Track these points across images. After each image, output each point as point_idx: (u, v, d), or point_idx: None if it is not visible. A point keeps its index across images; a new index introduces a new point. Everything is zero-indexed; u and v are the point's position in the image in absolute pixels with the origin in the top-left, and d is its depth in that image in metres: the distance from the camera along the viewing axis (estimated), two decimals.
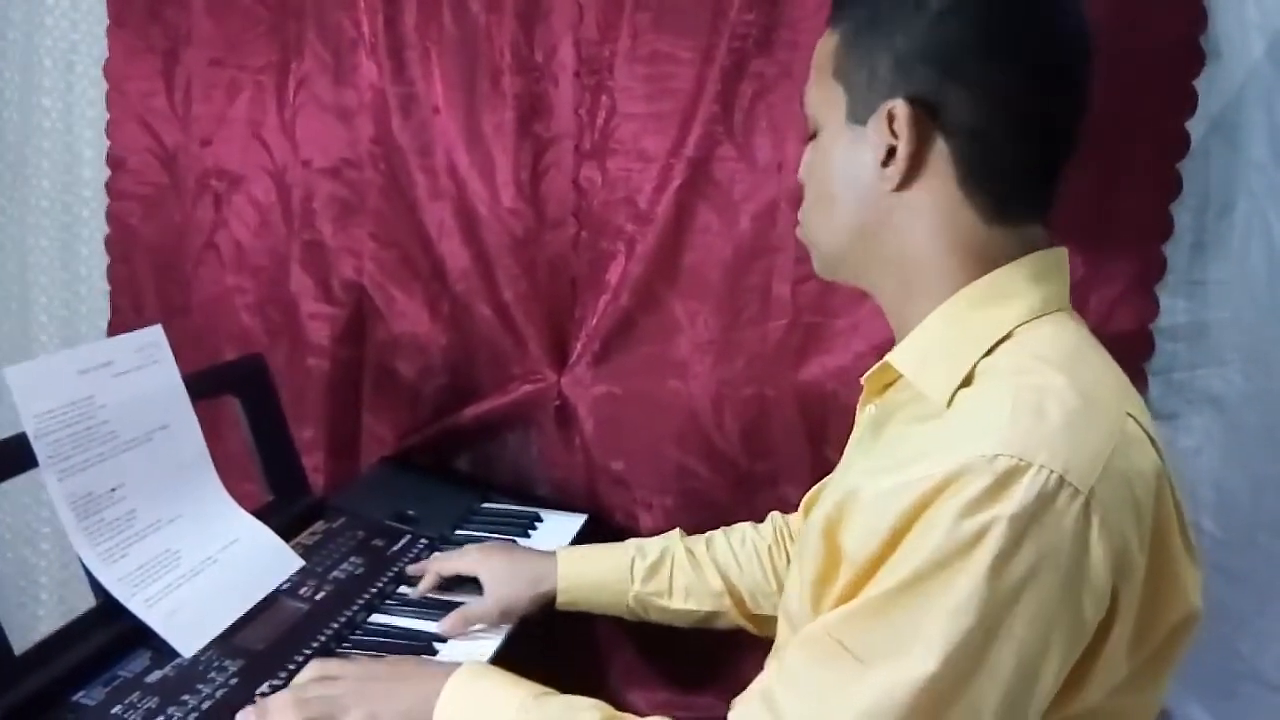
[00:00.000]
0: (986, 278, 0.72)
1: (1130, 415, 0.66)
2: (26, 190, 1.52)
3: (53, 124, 1.50)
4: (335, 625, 1.00)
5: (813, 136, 0.80)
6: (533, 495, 1.40)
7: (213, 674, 0.91)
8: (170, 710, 0.85)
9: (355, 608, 1.04)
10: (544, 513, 1.32)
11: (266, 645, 0.96)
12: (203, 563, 1.01)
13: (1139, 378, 1.17)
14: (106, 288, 1.53)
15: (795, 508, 1.07)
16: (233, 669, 0.92)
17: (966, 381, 0.68)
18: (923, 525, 0.61)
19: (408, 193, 1.34)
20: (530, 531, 1.27)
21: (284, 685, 0.90)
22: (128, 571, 0.95)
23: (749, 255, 1.25)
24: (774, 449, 1.29)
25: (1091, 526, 0.60)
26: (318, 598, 1.05)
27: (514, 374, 1.37)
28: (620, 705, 0.78)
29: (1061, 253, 0.75)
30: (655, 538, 1.13)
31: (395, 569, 1.12)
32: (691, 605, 1.08)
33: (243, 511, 1.09)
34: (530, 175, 1.31)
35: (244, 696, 0.88)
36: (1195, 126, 1.12)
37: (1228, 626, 1.16)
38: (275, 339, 1.44)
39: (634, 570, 1.09)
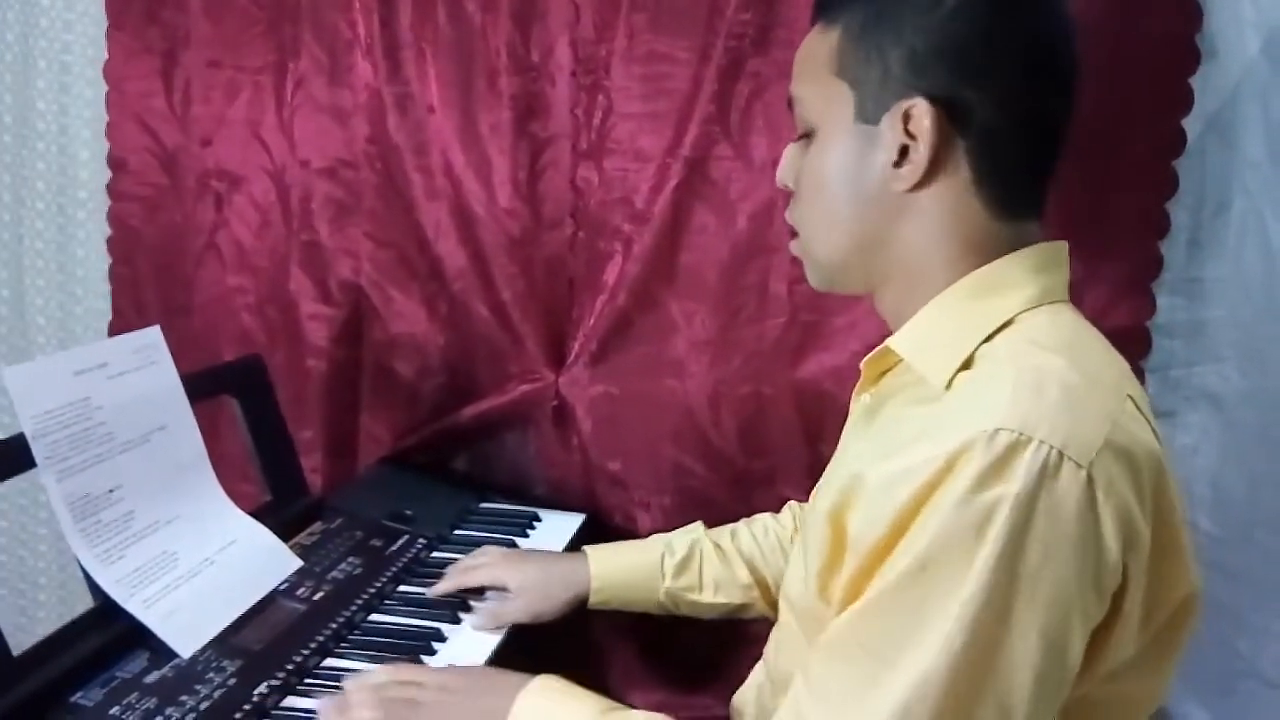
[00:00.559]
0: (988, 267, 0.72)
1: (1130, 397, 0.67)
2: (24, 192, 1.52)
3: (48, 126, 1.50)
4: (333, 625, 1.00)
5: (803, 137, 0.78)
6: (530, 495, 1.40)
7: (211, 674, 0.91)
8: (168, 711, 0.85)
9: (353, 608, 1.04)
10: (542, 512, 1.32)
11: (265, 646, 0.96)
12: (201, 563, 1.01)
13: (1136, 375, 1.16)
14: (104, 289, 1.53)
15: None
16: (231, 669, 0.92)
17: (966, 365, 0.69)
18: (928, 511, 0.60)
19: (404, 193, 1.34)
20: (528, 531, 1.27)
21: (282, 686, 0.91)
22: (126, 572, 0.95)
23: (746, 254, 1.26)
24: (771, 447, 1.29)
25: (1097, 499, 0.60)
26: (316, 598, 1.05)
27: (511, 374, 1.37)
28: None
29: (1062, 246, 0.76)
30: (680, 531, 1.14)
31: (393, 569, 1.12)
32: (722, 599, 1.09)
33: (241, 512, 1.09)
34: (527, 175, 1.31)
35: (242, 697, 0.88)
36: (1191, 125, 1.12)
37: (1226, 624, 1.16)
38: (274, 340, 1.44)
39: (664, 566, 1.09)
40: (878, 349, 0.77)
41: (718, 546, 1.10)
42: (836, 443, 0.88)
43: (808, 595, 0.74)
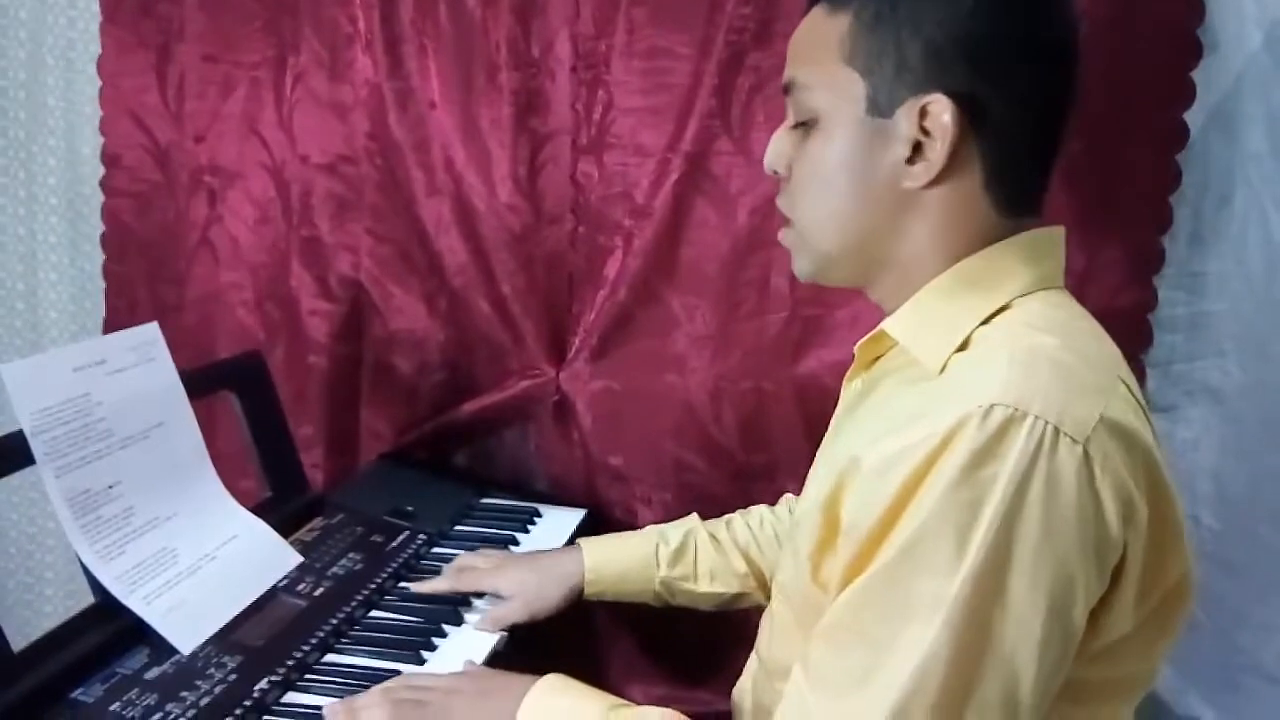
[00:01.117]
0: (983, 253, 0.72)
1: (1121, 379, 0.67)
2: (34, 188, 1.53)
3: (56, 122, 1.50)
4: (334, 621, 1.00)
5: (801, 125, 0.76)
6: (531, 490, 1.40)
7: (211, 670, 0.91)
8: (169, 707, 0.85)
9: (354, 604, 1.04)
10: (542, 508, 1.32)
11: (265, 641, 0.96)
12: (201, 559, 1.01)
13: (1137, 369, 1.17)
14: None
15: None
16: (231, 665, 0.92)
17: (962, 348, 0.69)
18: (924, 491, 0.60)
19: (404, 188, 1.34)
20: (529, 527, 1.27)
21: (283, 681, 0.91)
22: (126, 569, 0.95)
23: (746, 249, 1.25)
24: (772, 442, 1.29)
25: (1095, 475, 0.60)
26: (316, 594, 1.05)
27: (512, 369, 1.37)
28: None
29: (1058, 232, 0.75)
30: (675, 523, 1.14)
31: (394, 565, 1.12)
32: (718, 588, 1.09)
33: (241, 508, 1.09)
34: (527, 170, 1.30)
35: (243, 693, 0.88)
36: (1193, 118, 1.12)
37: (1227, 619, 1.16)
38: (274, 336, 1.44)
39: (659, 556, 1.09)
40: (871, 333, 0.77)
41: (713, 536, 1.11)
42: None
43: (800, 579, 0.74)
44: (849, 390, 0.85)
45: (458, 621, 1.04)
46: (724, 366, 1.28)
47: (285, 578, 1.06)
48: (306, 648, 0.96)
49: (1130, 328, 1.16)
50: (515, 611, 1.05)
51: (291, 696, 0.90)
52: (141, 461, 0.99)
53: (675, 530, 1.12)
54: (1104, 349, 0.71)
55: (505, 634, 1.03)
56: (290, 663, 0.93)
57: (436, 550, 1.18)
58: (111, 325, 1.51)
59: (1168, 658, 0.73)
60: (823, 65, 0.73)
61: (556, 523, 1.29)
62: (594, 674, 1.34)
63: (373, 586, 1.08)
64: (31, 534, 1.64)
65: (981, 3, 0.68)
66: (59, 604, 1.65)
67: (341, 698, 0.87)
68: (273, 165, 1.41)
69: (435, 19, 1.29)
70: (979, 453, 0.59)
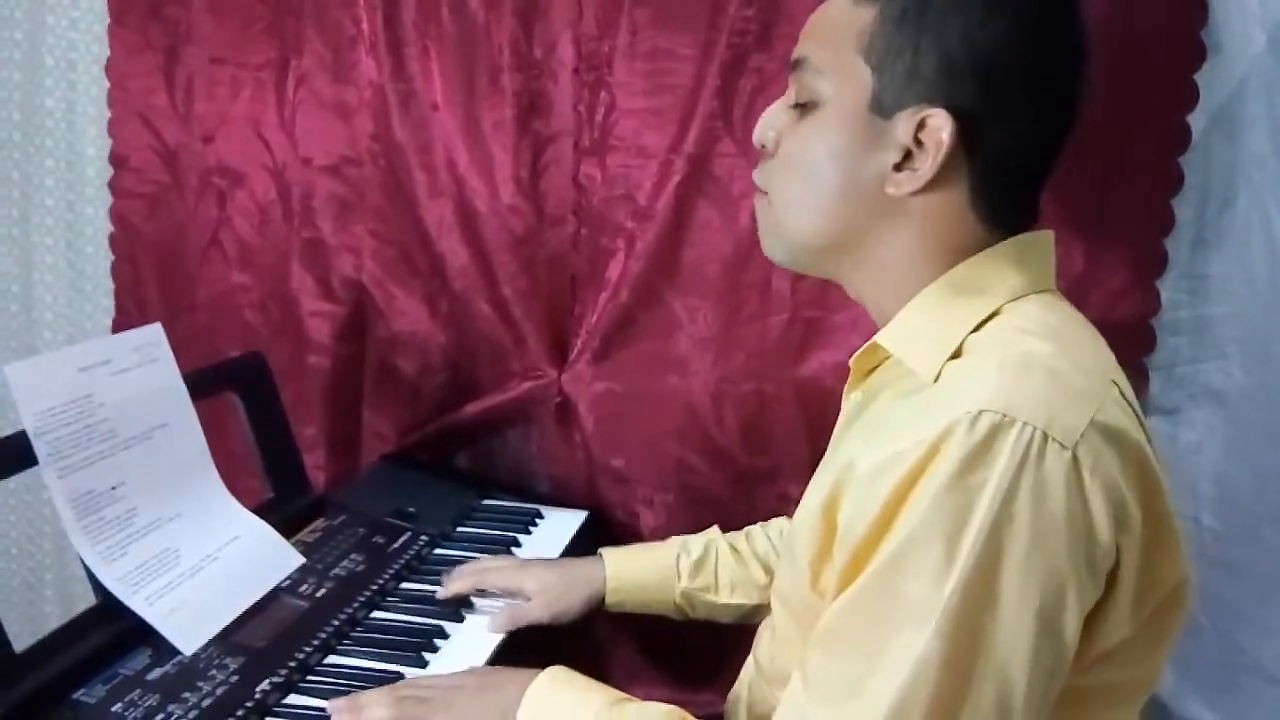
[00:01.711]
0: (970, 261, 0.72)
1: (1115, 384, 0.67)
2: (30, 189, 1.53)
3: (55, 123, 1.50)
4: (336, 622, 1.00)
5: (800, 105, 0.75)
6: (533, 492, 1.40)
7: (213, 671, 0.91)
8: (171, 708, 0.85)
9: (356, 605, 1.04)
10: (544, 509, 1.32)
11: (267, 642, 0.96)
12: (203, 560, 1.01)
13: (1140, 372, 1.16)
14: (111, 286, 1.53)
15: (795, 503, 1.06)
16: (233, 666, 0.92)
17: (955, 355, 0.69)
18: (914, 498, 0.61)
19: (407, 190, 1.34)
20: (530, 528, 1.27)
21: (285, 683, 0.91)
22: (128, 570, 0.95)
23: (749, 251, 1.25)
24: (774, 445, 1.29)
25: (1084, 480, 0.60)
26: (318, 595, 1.05)
27: (514, 371, 1.37)
28: None
29: (1047, 235, 0.75)
30: (696, 535, 1.14)
31: (396, 566, 1.13)
32: (738, 599, 1.09)
33: (243, 509, 1.09)
34: (530, 172, 1.30)
35: (244, 694, 0.88)
36: (1196, 120, 1.12)
37: (1229, 620, 1.16)
38: (276, 336, 1.44)
39: (680, 567, 1.09)
40: (865, 346, 0.78)
41: (733, 548, 1.11)
42: None
43: (800, 587, 0.74)
44: (849, 402, 0.85)
45: (460, 621, 1.04)
46: (726, 368, 1.28)
47: (287, 579, 1.07)
48: (308, 649, 0.96)
49: (1133, 330, 1.15)
50: (537, 611, 1.05)
51: (293, 698, 0.90)
52: (144, 462, 0.99)
53: (697, 541, 1.12)
54: (1097, 352, 0.70)
55: (506, 635, 1.03)
56: (292, 664, 0.93)
57: (438, 551, 1.18)
58: (120, 325, 1.52)
59: (1168, 660, 0.73)
60: (837, 52, 0.72)
61: (558, 524, 1.29)
62: (596, 677, 1.34)
63: (374, 588, 1.08)
64: (30, 535, 1.65)
65: (1008, 29, 0.68)
66: (58, 605, 1.65)
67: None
68: (275, 167, 1.41)
69: (438, 21, 1.29)
70: (967, 459, 0.59)
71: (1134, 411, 0.67)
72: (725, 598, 1.09)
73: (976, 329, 0.69)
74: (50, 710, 0.85)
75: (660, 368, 1.31)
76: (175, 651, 0.93)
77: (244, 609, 1.00)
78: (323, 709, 0.86)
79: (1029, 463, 0.59)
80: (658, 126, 1.25)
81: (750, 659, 0.92)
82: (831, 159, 0.73)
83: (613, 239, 1.30)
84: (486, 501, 1.33)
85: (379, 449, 1.43)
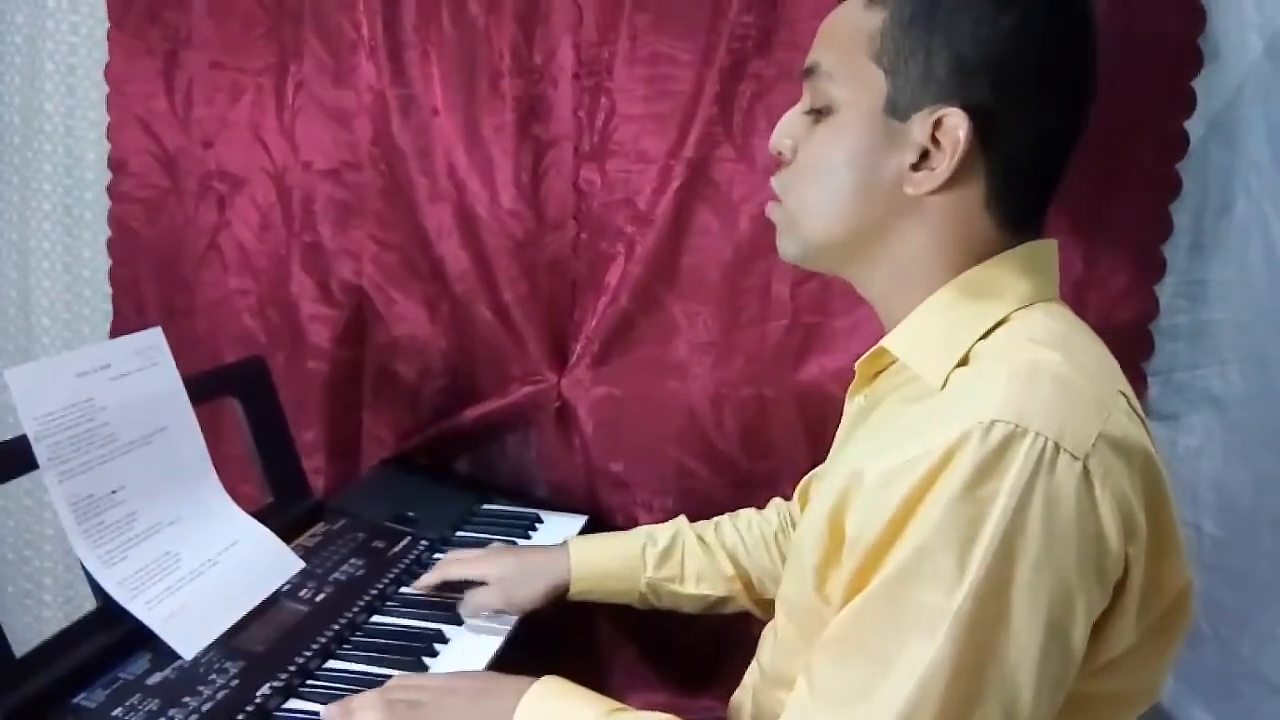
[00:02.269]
0: (980, 267, 0.72)
1: (1122, 393, 0.67)
2: (29, 193, 1.53)
3: (54, 128, 1.50)
4: (336, 627, 1.00)
5: (815, 111, 0.75)
6: (532, 496, 1.40)
7: (213, 676, 0.91)
8: (171, 712, 0.85)
9: (356, 609, 1.04)
10: (544, 514, 1.32)
11: (267, 647, 0.96)
12: (203, 565, 1.01)
13: (1139, 378, 1.17)
14: (109, 290, 1.53)
15: None
16: (233, 671, 0.92)
17: (962, 363, 0.69)
18: (926, 506, 0.60)
19: (407, 195, 1.34)
20: (530, 533, 1.28)
21: (285, 687, 0.91)
22: (128, 574, 0.95)
23: (748, 256, 1.26)
24: (773, 449, 1.29)
25: (1095, 490, 0.60)
26: (318, 599, 1.05)
27: (514, 375, 1.37)
28: None
29: (1051, 245, 0.76)
30: (663, 524, 1.13)
31: (395, 570, 1.13)
32: (704, 590, 1.08)
33: (243, 513, 1.09)
34: (530, 177, 1.31)
35: (245, 698, 0.88)
36: (1194, 127, 1.12)
37: (1229, 627, 1.16)
38: (276, 341, 1.44)
39: (646, 556, 1.09)
40: (872, 350, 0.78)
41: (700, 538, 1.10)
42: None
43: (805, 593, 0.74)
44: (852, 405, 0.85)
45: (459, 625, 1.04)
46: (725, 373, 1.29)
47: (287, 583, 1.06)
48: (308, 653, 0.96)
49: (1131, 336, 1.16)
50: (493, 596, 1.05)
51: (293, 703, 0.90)
52: (144, 466, 0.99)
53: (663, 532, 1.12)
54: (1103, 362, 0.71)
55: (506, 638, 1.03)
56: (292, 668, 0.93)
57: (438, 556, 1.18)
58: (118, 330, 1.52)
59: (1170, 668, 0.73)
60: (850, 57, 0.72)
61: (557, 528, 1.29)
62: (595, 681, 1.33)
63: (374, 592, 1.08)
64: (30, 539, 1.64)
65: (1018, 26, 0.68)
66: (57, 609, 1.65)
67: None
68: (274, 171, 1.41)
69: (438, 26, 1.29)
70: (980, 469, 0.59)
71: (1141, 420, 0.67)
72: (691, 588, 1.08)
73: (984, 336, 0.69)
74: (50, 715, 0.84)
75: (660, 372, 1.31)
76: (175, 656, 0.93)
77: (244, 613, 1.00)
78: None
79: (1041, 473, 0.59)
80: (657, 132, 1.26)
81: (753, 664, 0.92)
82: (849, 163, 0.73)
83: (612, 244, 1.30)
84: (486, 506, 1.34)
85: (379, 453, 1.43)
